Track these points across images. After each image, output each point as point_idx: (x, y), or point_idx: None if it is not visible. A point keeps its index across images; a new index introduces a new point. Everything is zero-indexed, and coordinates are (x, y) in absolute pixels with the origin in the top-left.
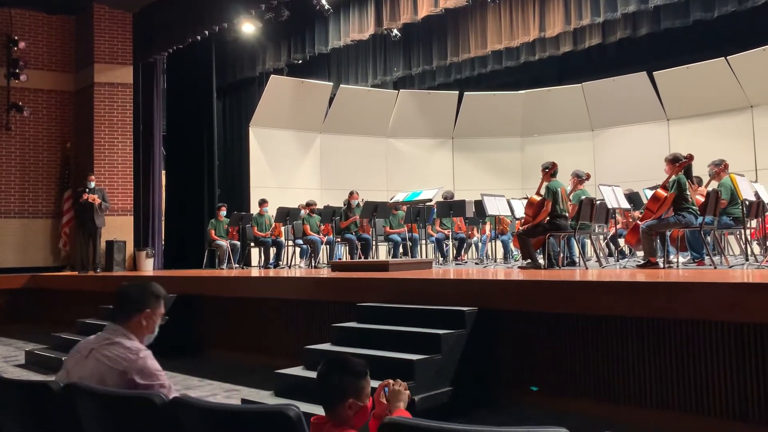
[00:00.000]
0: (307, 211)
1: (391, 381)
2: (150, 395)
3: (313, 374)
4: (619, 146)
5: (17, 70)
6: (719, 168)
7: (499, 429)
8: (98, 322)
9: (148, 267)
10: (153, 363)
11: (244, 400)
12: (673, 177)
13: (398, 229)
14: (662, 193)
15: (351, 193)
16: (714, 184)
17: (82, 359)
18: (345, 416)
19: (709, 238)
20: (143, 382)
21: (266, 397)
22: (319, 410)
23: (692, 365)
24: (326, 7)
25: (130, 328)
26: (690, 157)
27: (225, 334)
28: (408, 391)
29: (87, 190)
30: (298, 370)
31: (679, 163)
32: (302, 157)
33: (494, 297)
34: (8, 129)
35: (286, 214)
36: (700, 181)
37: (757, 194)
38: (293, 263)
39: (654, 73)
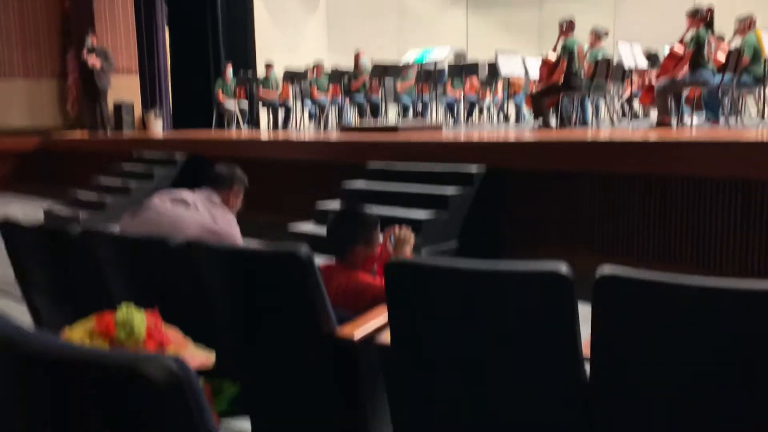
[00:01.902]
0: (315, 73)
1: (396, 227)
2: (163, 239)
3: (324, 230)
4: (642, 4)
5: None
6: (744, 23)
7: (498, 265)
8: (115, 182)
9: (158, 128)
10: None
11: None
12: (692, 32)
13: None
14: (678, 50)
15: (356, 55)
16: (738, 41)
17: (177, 204)
18: (354, 262)
19: (726, 99)
20: None
21: None
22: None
23: (698, 222)
24: None
25: (222, 198)
26: (710, 10)
27: None
28: (413, 234)
29: (87, 49)
30: (309, 226)
31: (699, 16)
32: (308, 17)
33: (503, 156)
34: None
35: (293, 76)
36: (722, 38)
37: None
38: (302, 126)
39: None
